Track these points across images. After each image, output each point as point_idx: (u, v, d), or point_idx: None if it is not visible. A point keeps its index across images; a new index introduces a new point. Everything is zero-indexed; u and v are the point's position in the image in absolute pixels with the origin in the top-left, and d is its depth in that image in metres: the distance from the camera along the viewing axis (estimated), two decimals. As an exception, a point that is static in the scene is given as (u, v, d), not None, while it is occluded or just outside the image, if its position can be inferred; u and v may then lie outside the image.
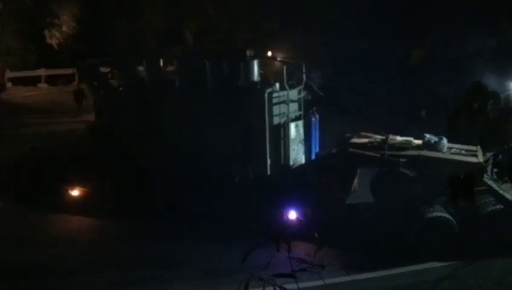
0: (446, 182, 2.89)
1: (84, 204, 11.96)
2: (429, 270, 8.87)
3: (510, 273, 8.26)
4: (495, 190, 9.33)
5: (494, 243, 8.64)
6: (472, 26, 17.35)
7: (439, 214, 9.63)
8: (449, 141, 10.84)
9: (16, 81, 27.50)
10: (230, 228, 9.90)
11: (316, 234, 3.59)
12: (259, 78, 11.71)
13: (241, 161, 11.30)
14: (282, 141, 11.44)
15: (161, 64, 12.65)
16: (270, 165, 11.32)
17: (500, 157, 3.00)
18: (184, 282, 8.88)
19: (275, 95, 11.35)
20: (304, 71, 12.01)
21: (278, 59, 12.45)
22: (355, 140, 11.56)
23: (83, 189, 12.15)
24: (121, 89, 12.70)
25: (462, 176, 2.95)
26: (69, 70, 21.41)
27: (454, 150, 10.85)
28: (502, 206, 9.36)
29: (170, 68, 12.77)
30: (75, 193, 12.21)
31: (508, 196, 9.28)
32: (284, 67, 11.68)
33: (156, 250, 10.12)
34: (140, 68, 12.64)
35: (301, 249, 3.47)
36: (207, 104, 11.59)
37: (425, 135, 11.10)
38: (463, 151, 10.74)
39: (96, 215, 11.70)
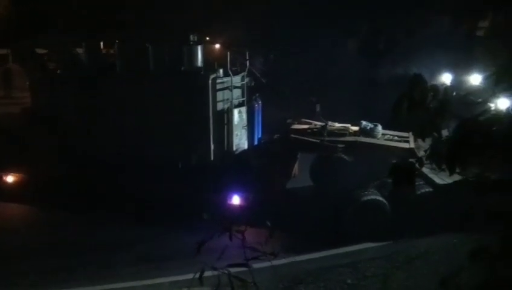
0: (389, 170, 3.13)
1: (19, 191, 11.58)
2: (363, 251, 9.45)
3: (436, 250, 8.96)
4: (425, 174, 10.03)
5: (423, 223, 9.33)
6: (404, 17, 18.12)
7: (373, 197, 10.24)
8: (384, 128, 11.45)
9: None
10: (174, 213, 9.96)
11: (268, 223, 3.81)
12: (202, 64, 11.72)
13: (184, 146, 11.33)
14: (225, 127, 11.59)
15: (101, 46, 12.29)
16: (214, 150, 11.45)
17: (437, 147, 3.25)
18: (126, 268, 8.87)
19: (218, 81, 11.44)
20: (247, 58, 12.16)
21: (221, 45, 12.50)
22: (296, 126, 11.94)
23: (18, 175, 11.73)
24: (58, 72, 12.24)
25: (403, 165, 3.19)
26: (2, 51, 20.22)
27: (388, 136, 11.50)
28: (431, 189, 10.09)
29: (110, 51, 12.42)
30: (10, 179, 11.77)
31: (436, 179, 10.01)
32: (228, 53, 11.76)
33: (98, 236, 10.03)
34: (79, 50, 12.22)
35: (253, 237, 3.68)
36: (149, 89, 11.47)
37: (361, 121, 11.65)
38: (396, 138, 11.40)
39: (33, 202, 11.38)
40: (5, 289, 8.13)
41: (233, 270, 3.49)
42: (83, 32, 14.23)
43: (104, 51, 12.47)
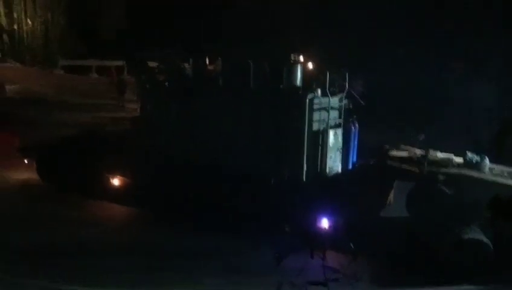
0: (488, 203, 2.85)
1: (122, 192, 12.38)
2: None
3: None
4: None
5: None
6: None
7: (475, 236, 9.41)
8: (491, 161, 10.58)
9: (68, 70, 28.55)
10: (261, 227, 9.96)
11: (351, 245, 3.62)
12: (301, 83, 11.74)
13: (277, 163, 11.36)
14: (320, 148, 11.43)
15: (207, 61, 12.85)
16: (306, 171, 11.33)
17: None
18: (213, 277, 8.99)
19: (316, 101, 11.36)
20: (346, 79, 11.97)
21: (321, 65, 12.43)
22: (394, 153, 11.44)
23: (122, 178, 12.54)
24: (166, 84, 12.98)
25: (506, 199, 2.90)
26: (119, 62, 22.08)
27: (496, 171, 10.59)
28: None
29: (215, 65, 12.95)
30: (116, 181, 12.62)
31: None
32: (327, 74, 11.66)
33: (185, 242, 10.30)
34: (186, 65, 12.89)
35: (334, 258, 3.51)
36: (248, 104, 11.71)
37: (467, 152, 10.87)
38: (505, 174, 10.46)
39: (133, 204, 12.10)
40: (94, 286, 8.52)
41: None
42: (191, 47, 15.00)
43: (209, 66, 13.01)
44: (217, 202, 10.90)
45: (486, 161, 10.60)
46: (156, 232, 10.81)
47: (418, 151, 11.26)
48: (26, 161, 13.77)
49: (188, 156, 11.86)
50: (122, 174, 12.57)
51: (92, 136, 13.47)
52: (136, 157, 12.31)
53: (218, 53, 12.88)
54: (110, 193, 12.45)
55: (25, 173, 13.85)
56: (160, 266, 9.23)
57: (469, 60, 18.54)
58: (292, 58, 12.08)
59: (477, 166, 10.60)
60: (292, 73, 11.67)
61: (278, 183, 11.18)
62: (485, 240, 9.31)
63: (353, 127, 12.05)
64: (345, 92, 11.95)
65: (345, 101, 12.03)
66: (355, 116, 12.13)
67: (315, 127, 11.37)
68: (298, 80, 11.70)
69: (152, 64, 13.67)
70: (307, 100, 11.19)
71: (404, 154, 11.34)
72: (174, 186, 11.55)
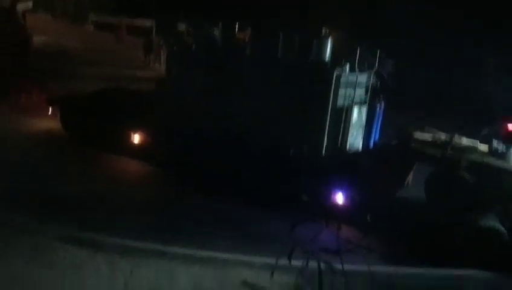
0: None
1: (141, 150, 12.52)
2: (468, 278, 8.66)
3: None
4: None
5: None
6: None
7: (491, 223, 9.32)
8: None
9: (98, 26, 28.56)
10: (278, 197, 10.00)
11: (368, 217, 3.63)
12: (330, 58, 11.58)
13: (298, 136, 11.34)
14: (342, 124, 11.35)
15: (236, 29, 12.73)
16: (326, 145, 11.30)
17: None
18: (225, 241, 9.07)
19: (343, 76, 11.22)
20: (377, 57, 11.76)
21: (352, 41, 12.23)
22: (418, 135, 11.29)
23: (144, 135, 12.65)
24: (193, 48, 12.95)
25: None
26: (149, 22, 21.99)
27: (522, 162, 10.38)
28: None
29: (244, 34, 12.83)
30: (137, 138, 12.76)
31: None
32: (358, 50, 11.47)
33: (196, 206, 10.39)
34: (216, 31, 12.79)
35: (348, 232, 3.52)
36: (275, 75, 11.63)
37: (493, 140, 10.67)
38: (530, 166, 10.25)
39: (151, 163, 12.23)
40: (117, 239, 8.65)
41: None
42: (222, 14, 14.87)
43: (238, 35, 12.90)
44: (236, 170, 10.97)
45: (512, 151, 10.38)
46: (171, 194, 10.92)
47: (443, 136, 11.09)
48: (49, 112, 13.99)
49: (209, 123, 11.91)
50: (143, 132, 12.65)
51: (116, 92, 13.58)
52: (158, 119, 12.41)
53: (249, 22, 12.75)
54: (130, 149, 12.59)
55: (49, 123, 14.07)
56: (173, 225, 9.31)
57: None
58: (323, 31, 11.90)
59: (502, 155, 10.40)
60: (321, 47, 11.51)
61: (297, 155, 11.17)
62: (501, 228, 9.21)
63: (378, 106, 11.90)
64: (374, 70, 11.77)
65: (372, 79, 11.85)
66: (382, 95, 11.97)
67: (340, 102, 11.26)
68: (327, 54, 11.54)
69: (181, 27, 13.63)
70: (334, 75, 11.05)
71: (428, 137, 11.18)
72: (194, 151, 11.65)
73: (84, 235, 7.29)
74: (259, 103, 11.64)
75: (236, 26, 12.72)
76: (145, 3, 25.11)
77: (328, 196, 10.06)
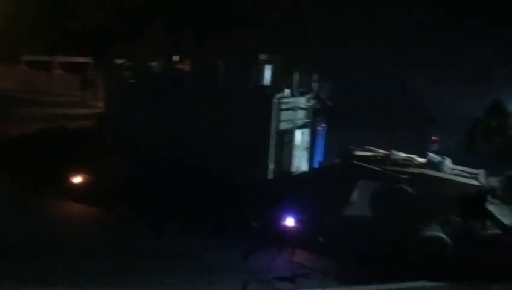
0: (457, 201, 2.95)
1: (85, 192, 12.08)
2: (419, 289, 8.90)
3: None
4: (493, 214, 9.41)
5: (488, 267, 8.70)
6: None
7: (434, 233, 9.71)
8: (463, 159, 10.94)
9: (32, 66, 27.56)
10: (229, 226, 9.92)
11: (320, 239, 3.70)
12: (270, 83, 11.83)
13: (243, 162, 11.40)
14: (286, 147, 11.56)
15: (173, 60, 12.77)
16: (272, 169, 11.43)
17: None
18: (177, 277, 8.86)
19: (283, 101, 11.48)
20: (315, 80, 12.14)
21: (290, 66, 12.56)
22: (359, 152, 11.67)
23: (86, 177, 12.24)
24: (132, 81, 12.82)
25: (473, 196, 3.02)
26: (85, 59, 21.51)
27: (457, 171, 10.95)
28: (499, 231, 9.42)
29: (183, 64, 12.88)
30: (78, 180, 12.31)
31: (505, 220, 9.35)
32: (296, 75, 11.80)
33: (152, 243, 10.16)
34: (154, 63, 12.78)
35: (302, 255, 3.57)
36: (215, 103, 11.72)
37: (428, 153, 11.21)
38: (465, 174, 10.83)
39: (96, 204, 11.81)
40: (63, 286, 8.28)
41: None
42: (159, 46, 14.83)
43: (177, 65, 12.93)
44: (184, 201, 10.82)
45: (447, 161, 10.95)
46: (122, 233, 10.59)
47: (382, 152, 11.53)
48: None
49: (152, 155, 11.74)
50: (84, 172, 12.26)
51: (53, 133, 13.14)
52: (99, 155, 12.08)
53: (187, 52, 12.83)
54: (72, 192, 12.14)
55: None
56: (124, 266, 9.05)
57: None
58: (262, 58, 12.17)
59: (438, 166, 10.94)
60: (261, 73, 11.75)
61: (244, 182, 11.21)
62: (444, 237, 9.61)
63: (320, 127, 12.23)
64: (313, 93, 12.12)
65: (313, 102, 12.19)
66: (323, 116, 12.32)
67: (282, 126, 11.49)
68: (267, 80, 11.79)
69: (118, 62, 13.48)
70: (275, 100, 11.28)
71: (368, 154, 11.58)
72: (140, 185, 11.41)
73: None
74: (202, 131, 11.64)
75: (176, 57, 12.77)
76: (81, 40, 24.63)
77: (278, 221, 10.12)
